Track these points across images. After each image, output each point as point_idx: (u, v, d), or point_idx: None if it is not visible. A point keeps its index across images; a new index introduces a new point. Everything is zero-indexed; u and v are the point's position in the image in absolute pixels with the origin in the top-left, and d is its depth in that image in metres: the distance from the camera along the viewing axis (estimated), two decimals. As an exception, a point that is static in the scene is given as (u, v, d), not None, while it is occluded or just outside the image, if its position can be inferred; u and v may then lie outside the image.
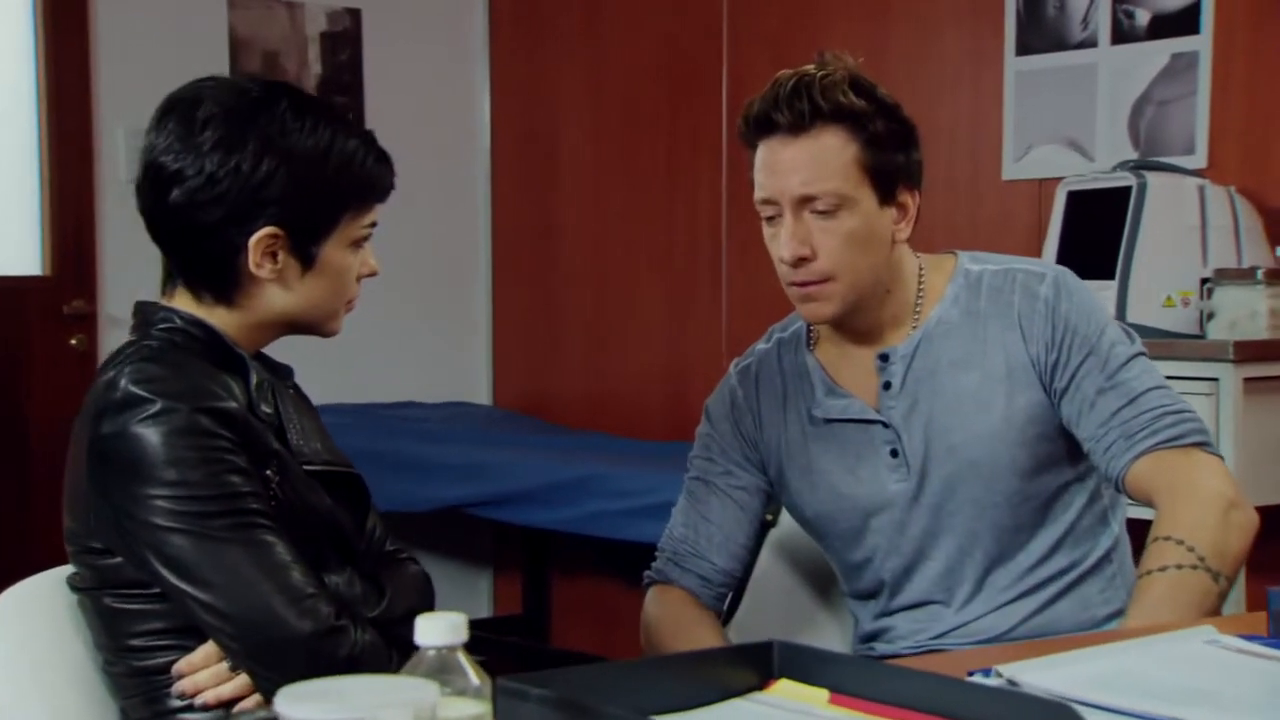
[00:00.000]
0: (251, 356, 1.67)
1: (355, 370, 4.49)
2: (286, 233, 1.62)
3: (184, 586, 1.54)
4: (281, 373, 1.75)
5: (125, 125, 4.25)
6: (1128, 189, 3.10)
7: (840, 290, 1.93)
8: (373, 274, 1.71)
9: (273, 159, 1.59)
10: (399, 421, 4.48)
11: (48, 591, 1.70)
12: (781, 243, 1.93)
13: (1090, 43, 3.64)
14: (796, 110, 1.89)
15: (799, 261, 1.92)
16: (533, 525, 3.93)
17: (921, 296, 2.02)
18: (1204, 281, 3.06)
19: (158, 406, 1.54)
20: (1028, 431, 1.96)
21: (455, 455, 4.11)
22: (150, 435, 1.53)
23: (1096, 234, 3.15)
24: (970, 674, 1.37)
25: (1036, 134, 3.75)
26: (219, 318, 1.66)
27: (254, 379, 1.65)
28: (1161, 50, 3.52)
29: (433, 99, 4.96)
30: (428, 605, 1.73)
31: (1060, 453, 1.99)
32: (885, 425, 1.99)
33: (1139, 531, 1.90)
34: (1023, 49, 3.77)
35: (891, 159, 1.92)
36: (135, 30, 4.38)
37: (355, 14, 4.84)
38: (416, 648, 1.01)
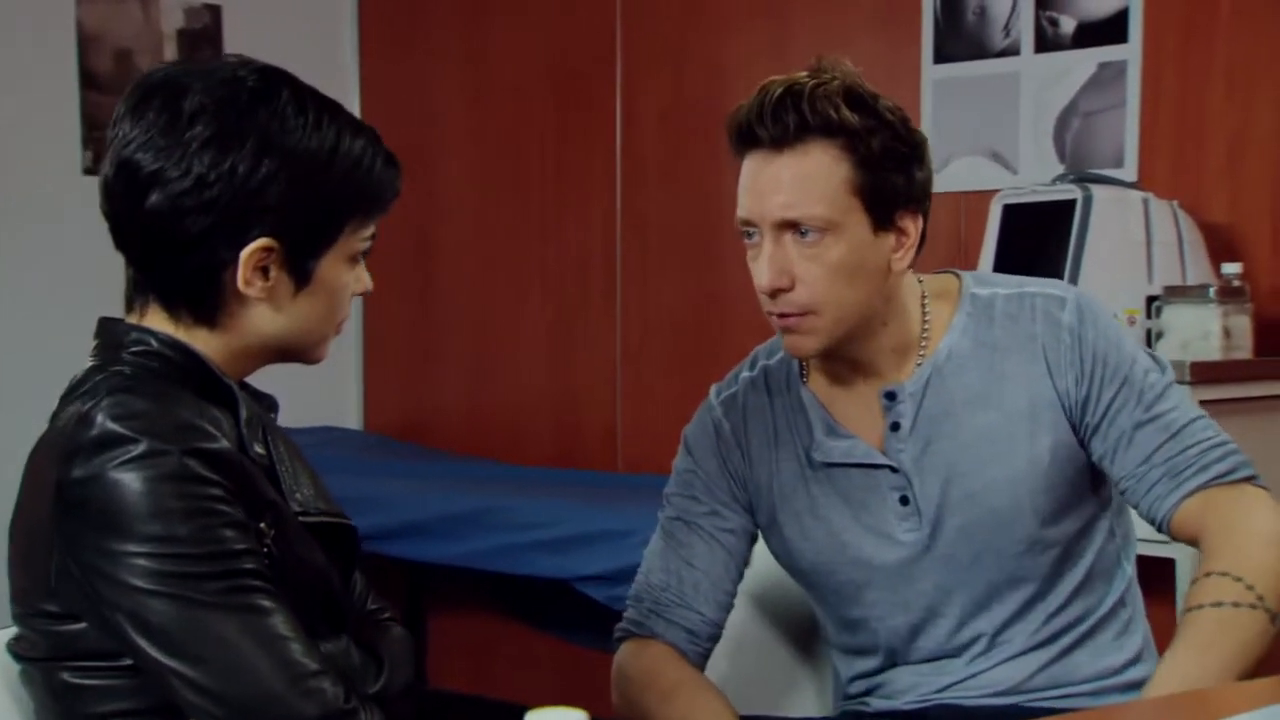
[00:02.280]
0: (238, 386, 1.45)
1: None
2: (282, 245, 1.40)
3: (166, 660, 1.31)
4: (266, 404, 1.52)
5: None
6: (1070, 202, 2.95)
7: (823, 325, 1.74)
8: (366, 292, 1.50)
9: (272, 160, 1.38)
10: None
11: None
12: (759, 269, 1.73)
13: (1012, 51, 3.50)
14: (782, 123, 1.69)
15: (776, 291, 1.72)
16: (426, 561, 3.65)
17: (927, 326, 1.83)
18: (1151, 300, 2.93)
19: (141, 448, 1.31)
20: (1052, 474, 1.79)
21: (332, 486, 3.79)
22: (131, 482, 1.30)
23: (1037, 249, 3.00)
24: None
25: (956, 146, 3.59)
26: (200, 341, 1.44)
27: (244, 413, 1.43)
28: (1088, 59, 3.39)
29: (299, 104, 4.64)
30: (413, 675, 1.54)
31: (1083, 494, 1.83)
32: (894, 470, 1.81)
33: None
34: (941, 57, 3.62)
35: (889, 180, 1.71)
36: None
37: (215, 11, 4.53)
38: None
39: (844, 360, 1.82)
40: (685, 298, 4.11)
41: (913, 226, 1.76)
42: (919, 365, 1.81)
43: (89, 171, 4.18)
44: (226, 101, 1.39)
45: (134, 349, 1.41)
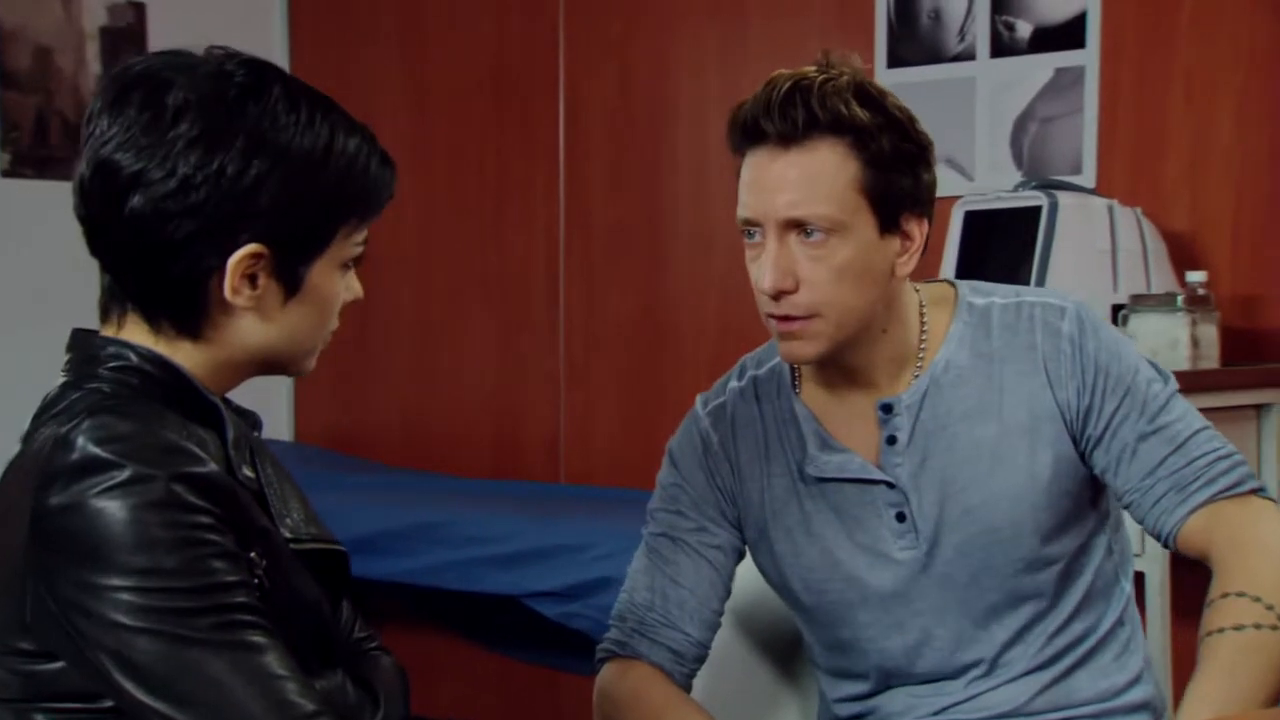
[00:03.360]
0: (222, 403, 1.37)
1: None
2: (271, 251, 1.32)
3: (151, 702, 1.22)
4: (249, 421, 1.44)
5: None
6: (1035, 209, 2.91)
7: (826, 329, 1.68)
8: (357, 300, 1.43)
9: (263, 161, 1.29)
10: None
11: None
12: (763, 270, 1.67)
13: (968, 55, 3.45)
14: (790, 118, 1.63)
15: (780, 294, 1.66)
16: (367, 578, 3.53)
17: (925, 336, 1.77)
18: (1117, 309, 2.88)
19: (126, 473, 1.22)
20: (1053, 489, 1.74)
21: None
22: (115, 510, 1.21)
23: (1000, 257, 2.95)
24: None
25: (911, 151, 3.53)
26: (182, 354, 1.35)
27: (230, 433, 1.34)
28: (1045, 64, 3.35)
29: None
30: (407, 709, 1.50)
31: (1083, 509, 1.78)
32: (890, 485, 1.75)
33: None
34: (894, 61, 3.56)
35: (897, 181, 1.66)
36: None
37: (140, 9, 4.38)
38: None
39: (839, 370, 1.77)
40: (632, 306, 4.03)
41: (918, 230, 1.71)
42: (916, 376, 1.76)
43: (7, 174, 4.03)
44: (214, 97, 1.30)
45: (112, 364, 1.33)
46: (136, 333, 1.35)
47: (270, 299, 1.35)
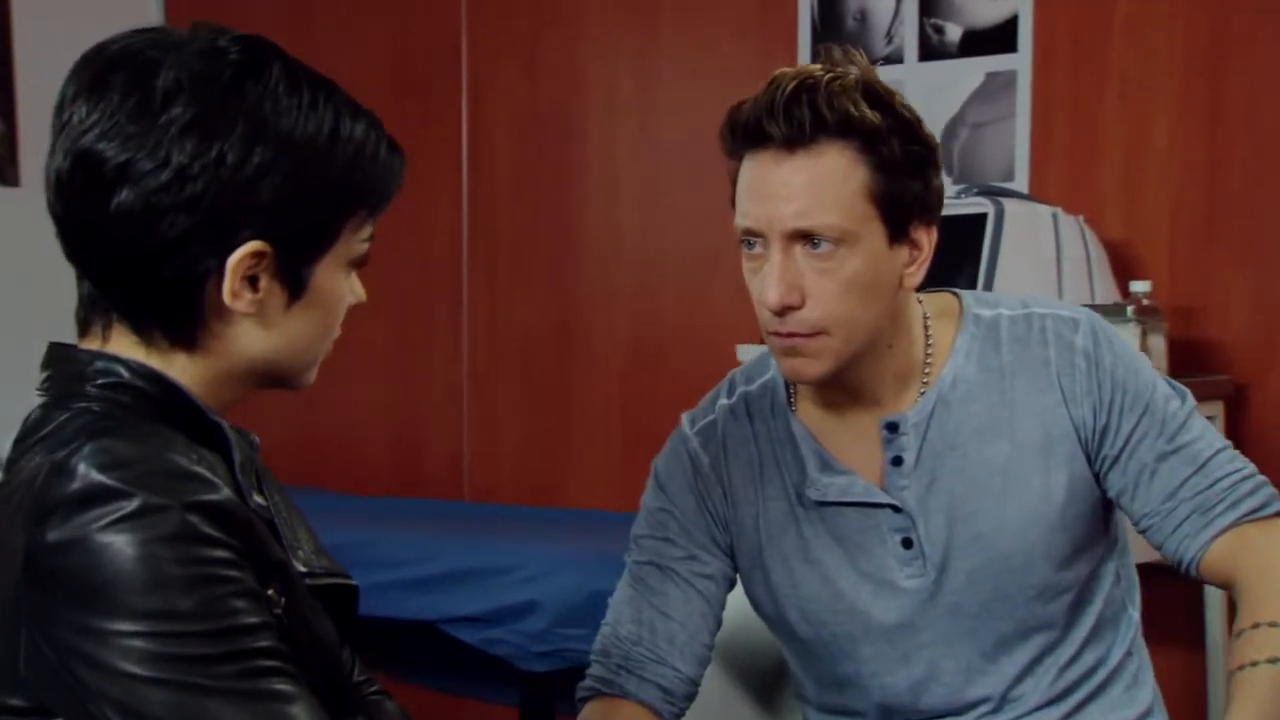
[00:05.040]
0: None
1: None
2: (274, 250, 1.19)
3: None
4: (249, 443, 1.31)
5: None
6: (981, 216, 2.82)
7: (834, 346, 1.58)
8: (359, 304, 1.31)
9: (266, 148, 1.17)
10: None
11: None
12: (767, 284, 1.56)
13: (896, 59, 3.36)
14: (796, 120, 1.53)
15: (785, 309, 1.55)
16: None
17: (931, 349, 1.67)
18: (1064, 318, 2.80)
19: (135, 503, 1.09)
20: (1067, 512, 1.65)
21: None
22: (124, 545, 1.08)
23: (944, 265, 2.83)
24: None
25: (837, 156, 3.43)
26: (176, 367, 1.22)
27: (237, 456, 1.22)
28: (975, 69, 3.28)
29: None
30: None
31: (1096, 533, 1.69)
32: (896, 509, 1.65)
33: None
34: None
35: (907, 187, 1.57)
36: None
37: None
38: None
39: (840, 387, 1.66)
40: (538, 316, 3.88)
41: (926, 239, 1.62)
42: (923, 393, 1.67)
43: None
44: (208, 77, 1.17)
45: (100, 381, 1.19)
46: (124, 345, 1.22)
47: (272, 303, 1.23)
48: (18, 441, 1.18)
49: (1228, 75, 3.02)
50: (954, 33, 3.30)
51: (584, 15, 3.80)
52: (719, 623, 1.73)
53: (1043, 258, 2.83)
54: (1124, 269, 3.03)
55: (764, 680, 1.91)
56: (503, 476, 3.97)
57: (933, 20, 3.32)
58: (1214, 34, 3.04)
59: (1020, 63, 3.22)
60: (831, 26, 3.44)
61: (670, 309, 3.70)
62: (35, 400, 1.23)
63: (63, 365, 1.22)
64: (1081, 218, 2.94)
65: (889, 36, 3.37)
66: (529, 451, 3.92)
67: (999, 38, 3.24)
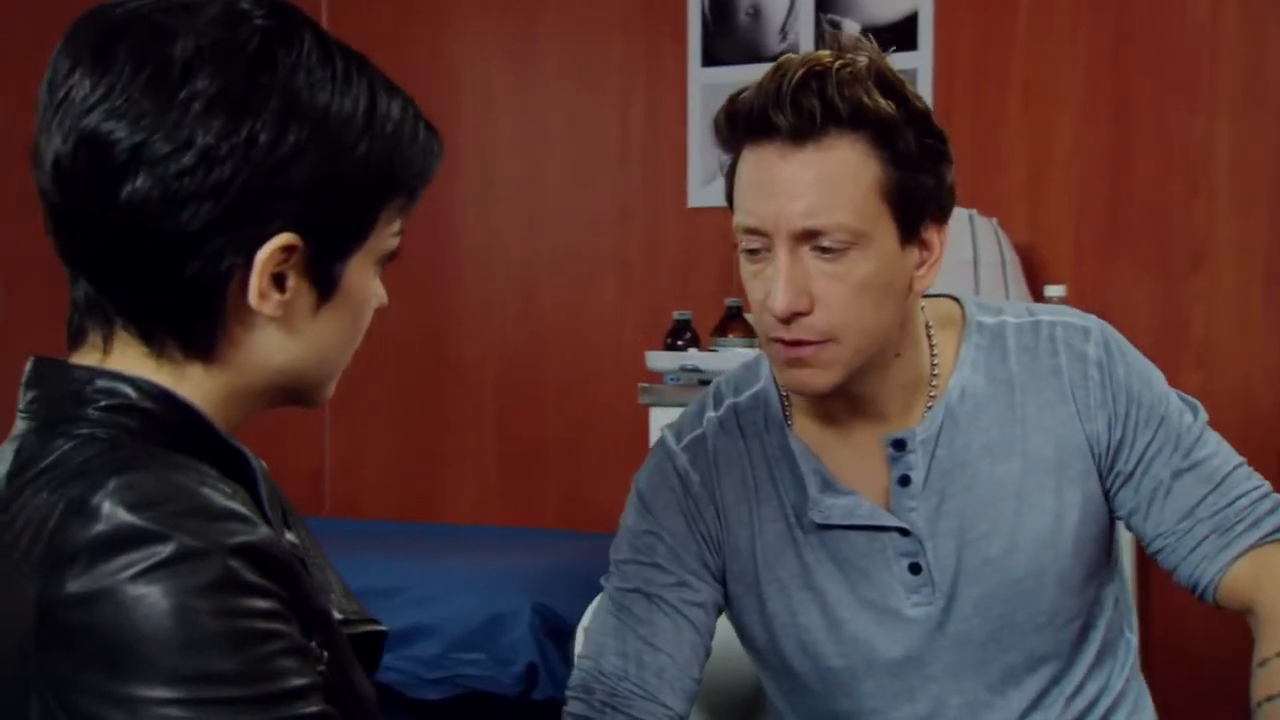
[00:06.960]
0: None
1: None
2: (306, 244, 1.03)
3: None
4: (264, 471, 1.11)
5: None
6: (896, 216, 2.71)
7: (842, 356, 1.44)
8: (382, 308, 1.14)
9: (300, 127, 1.01)
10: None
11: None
12: (774, 289, 1.42)
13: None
14: (805, 110, 1.39)
15: (793, 316, 1.41)
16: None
17: (936, 359, 1.54)
18: (983, 323, 2.72)
19: (170, 548, 0.92)
20: (1080, 533, 1.53)
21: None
22: (158, 598, 0.92)
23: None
24: None
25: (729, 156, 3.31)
26: (190, 384, 1.04)
27: (263, 489, 1.04)
28: (874, 67, 3.18)
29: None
30: None
31: (1102, 555, 1.58)
32: (904, 532, 1.52)
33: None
34: (710, 59, 3.34)
35: (921, 183, 1.43)
36: None
37: None
38: None
39: (843, 400, 1.52)
40: (407, 324, 3.68)
41: (937, 239, 1.48)
42: (930, 407, 1.53)
43: None
44: (233, 46, 1.00)
45: (104, 403, 1.02)
46: (129, 358, 1.04)
47: (299, 305, 1.06)
48: (12, 475, 0.99)
49: (1130, 79, 2.99)
50: (851, 29, 3.21)
51: (453, 6, 3.63)
52: (709, 655, 1.57)
53: (961, 259, 2.75)
54: (1031, 272, 2.96)
55: (738, 713, 1.76)
56: (366, 491, 3.76)
57: (830, 15, 3.23)
58: (1116, 40, 3.00)
59: (921, 60, 3.15)
60: (723, 21, 3.32)
61: (550, 314, 3.53)
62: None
63: (54, 384, 1.04)
64: (996, 220, 2.87)
65: (783, 32, 3.27)
66: (399, 464, 3.72)
67: (899, 34, 3.16)
